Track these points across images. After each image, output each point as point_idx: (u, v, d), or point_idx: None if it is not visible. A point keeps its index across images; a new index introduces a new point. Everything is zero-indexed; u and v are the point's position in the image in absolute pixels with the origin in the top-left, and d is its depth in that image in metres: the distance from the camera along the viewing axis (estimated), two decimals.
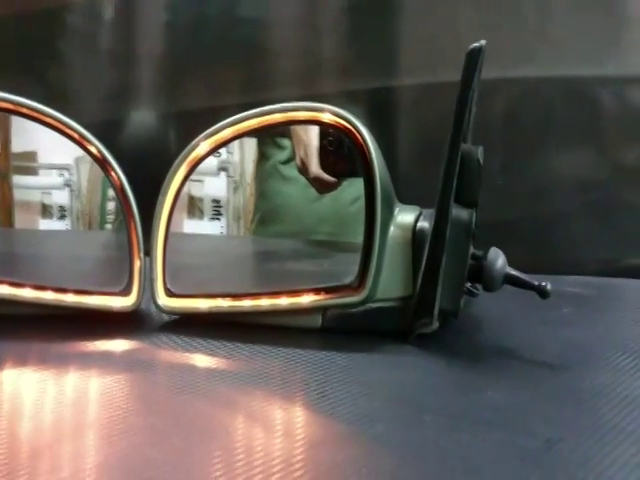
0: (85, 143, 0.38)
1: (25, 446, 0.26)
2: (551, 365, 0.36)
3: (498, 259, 0.37)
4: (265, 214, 0.71)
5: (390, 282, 0.38)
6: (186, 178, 0.38)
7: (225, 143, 0.39)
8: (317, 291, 0.39)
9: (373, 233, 0.37)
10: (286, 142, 0.65)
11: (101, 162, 0.38)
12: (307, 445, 0.27)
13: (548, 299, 0.37)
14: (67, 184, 1.62)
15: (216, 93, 0.71)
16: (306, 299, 0.39)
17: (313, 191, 0.59)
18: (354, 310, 0.38)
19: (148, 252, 0.39)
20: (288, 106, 0.39)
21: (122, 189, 0.38)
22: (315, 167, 0.56)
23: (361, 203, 0.73)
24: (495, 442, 0.27)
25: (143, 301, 0.39)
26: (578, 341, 0.40)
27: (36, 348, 0.37)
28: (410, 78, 0.66)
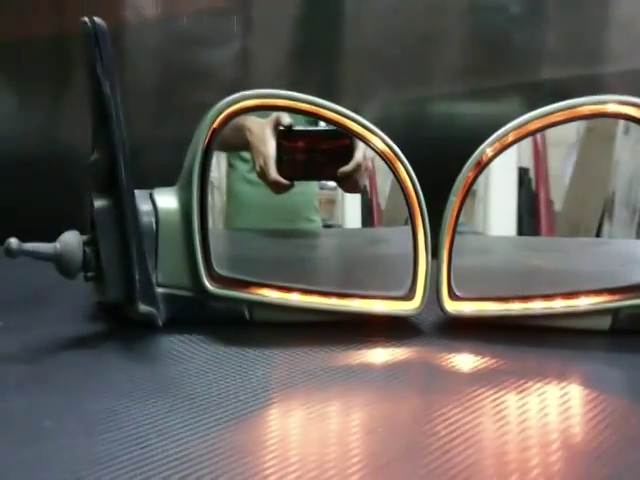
0: (369, 135, 0.37)
1: None
2: None
3: None
4: (236, 209, 0.95)
5: None
6: (473, 181, 0.38)
7: (507, 146, 0.38)
8: (600, 292, 0.38)
9: None
10: (248, 155, 0.80)
11: (387, 156, 0.37)
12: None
13: None
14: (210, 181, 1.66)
15: None
16: (587, 301, 0.38)
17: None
18: None
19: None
20: (568, 104, 0.38)
21: (412, 187, 0.37)
22: (274, 173, 0.69)
23: (309, 196, 0.89)
24: None
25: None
26: None
27: (316, 359, 0.36)
28: (614, 66, 0.65)
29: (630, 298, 0.37)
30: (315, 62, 0.70)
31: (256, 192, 0.96)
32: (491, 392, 0.31)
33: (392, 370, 0.35)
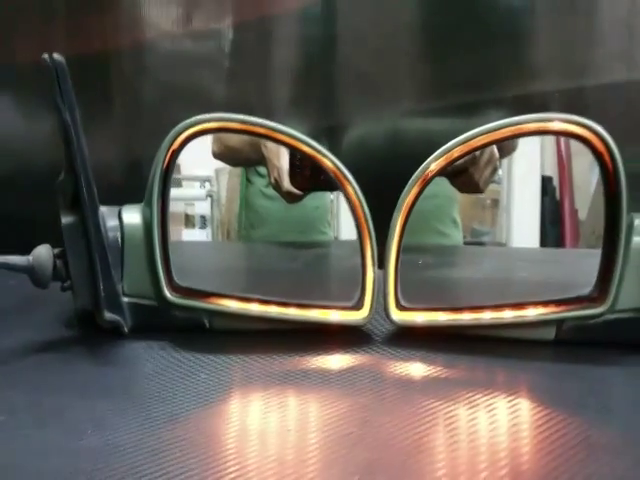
0: (319, 156, 0.40)
1: None
2: None
3: None
4: (253, 222, 1.05)
5: (630, 292, 0.37)
6: (418, 195, 0.39)
7: (453, 161, 0.39)
8: (546, 303, 0.39)
9: (617, 242, 0.36)
10: (264, 170, 0.87)
11: (336, 175, 0.40)
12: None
13: None
14: (209, 195, 1.72)
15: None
16: (534, 312, 0.39)
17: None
18: (592, 322, 0.38)
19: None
20: (513, 121, 0.39)
21: (358, 203, 0.39)
22: (287, 184, 0.76)
23: (322, 210, 0.97)
24: None
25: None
26: None
27: (261, 365, 0.38)
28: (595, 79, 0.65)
29: (573, 310, 0.38)
30: (302, 81, 0.73)
31: (273, 206, 1.00)
32: (427, 400, 0.33)
33: (334, 377, 0.36)
